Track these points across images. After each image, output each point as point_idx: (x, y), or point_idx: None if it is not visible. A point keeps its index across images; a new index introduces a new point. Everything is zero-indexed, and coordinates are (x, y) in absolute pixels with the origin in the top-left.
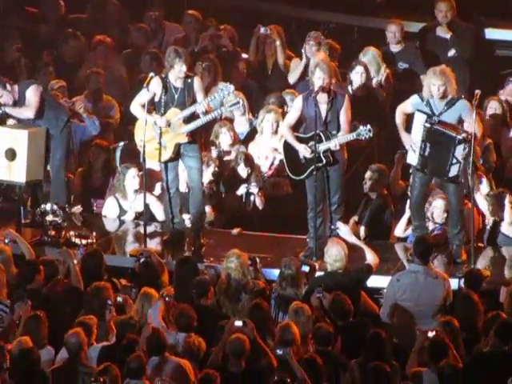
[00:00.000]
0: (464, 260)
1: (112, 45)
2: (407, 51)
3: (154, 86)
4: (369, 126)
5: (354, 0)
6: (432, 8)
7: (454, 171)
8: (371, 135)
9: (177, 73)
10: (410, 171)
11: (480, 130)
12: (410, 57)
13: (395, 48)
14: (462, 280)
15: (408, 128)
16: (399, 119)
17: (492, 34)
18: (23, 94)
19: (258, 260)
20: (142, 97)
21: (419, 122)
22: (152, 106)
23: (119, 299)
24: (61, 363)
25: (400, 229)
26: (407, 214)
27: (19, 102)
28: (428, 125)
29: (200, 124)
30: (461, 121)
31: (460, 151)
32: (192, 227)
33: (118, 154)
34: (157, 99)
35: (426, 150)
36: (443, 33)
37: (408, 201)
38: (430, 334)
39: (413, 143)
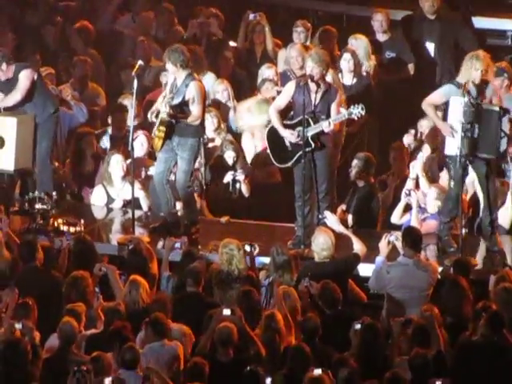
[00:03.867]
0: (455, 249)
1: (93, 32)
2: (394, 40)
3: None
4: (361, 105)
5: None
6: None
7: (503, 145)
8: (363, 113)
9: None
10: (451, 164)
11: None
12: (398, 46)
13: (382, 37)
14: (451, 269)
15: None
16: (432, 112)
17: (480, 22)
18: (17, 76)
19: (256, 248)
20: None
21: (458, 106)
22: None
23: (103, 269)
24: (52, 352)
25: (396, 216)
26: (403, 201)
27: (11, 83)
28: (473, 105)
29: None
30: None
31: (505, 124)
32: (183, 217)
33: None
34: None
35: (474, 131)
36: (430, 22)
37: (404, 190)
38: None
39: (454, 130)
